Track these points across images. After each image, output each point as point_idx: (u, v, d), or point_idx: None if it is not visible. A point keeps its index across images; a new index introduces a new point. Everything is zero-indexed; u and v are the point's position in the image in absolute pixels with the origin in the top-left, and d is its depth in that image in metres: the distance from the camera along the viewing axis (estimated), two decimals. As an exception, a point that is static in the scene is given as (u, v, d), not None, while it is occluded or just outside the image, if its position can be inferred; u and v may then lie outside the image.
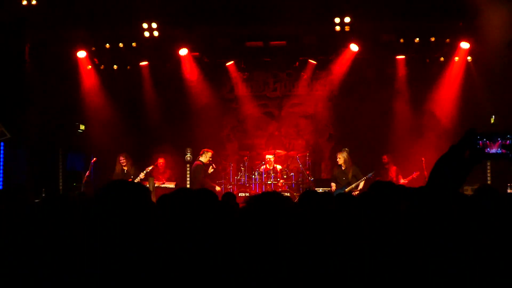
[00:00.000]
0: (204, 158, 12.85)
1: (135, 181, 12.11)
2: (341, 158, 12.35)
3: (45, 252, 2.78)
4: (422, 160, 12.36)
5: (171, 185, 12.81)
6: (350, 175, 12.25)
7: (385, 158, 13.03)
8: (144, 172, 12.46)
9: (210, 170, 12.89)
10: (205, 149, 12.99)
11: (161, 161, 13.26)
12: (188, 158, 13.40)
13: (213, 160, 13.05)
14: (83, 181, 12.80)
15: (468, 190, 11.17)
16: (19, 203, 6.43)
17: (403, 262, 2.50)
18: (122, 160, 12.78)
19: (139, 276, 2.31)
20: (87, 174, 12.76)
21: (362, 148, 13.33)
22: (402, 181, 12.51)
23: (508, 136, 2.19)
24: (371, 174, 12.14)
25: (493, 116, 13.02)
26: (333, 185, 12.29)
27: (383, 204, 3.30)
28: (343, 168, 12.33)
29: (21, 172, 12.15)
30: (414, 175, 12.56)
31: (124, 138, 13.46)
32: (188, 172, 13.50)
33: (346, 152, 12.40)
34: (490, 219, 2.69)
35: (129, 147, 13.16)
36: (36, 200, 6.55)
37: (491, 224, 2.66)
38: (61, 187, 13.18)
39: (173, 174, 13.45)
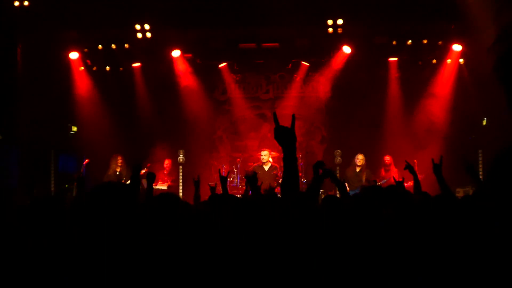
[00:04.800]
0: None
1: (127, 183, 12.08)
2: (361, 160, 12.35)
3: (34, 253, 2.76)
4: (415, 162, 12.34)
5: (164, 186, 12.78)
6: (364, 178, 12.22)
7: (387, 159, 12.77)
8: None
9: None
10: None
11: (167, 162, 13.20)
12: (181, 160, 13.40)
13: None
14: (75, 183, 12.74)
15: (460, 192, 11.21)
16: (9, 205, 6.40)
17: (389, 265, 2.50)
18: (120, 160, 12.72)
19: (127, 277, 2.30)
20: (79, 175, 12.70)
21: (355, 150, 13.33)
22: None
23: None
24: (385, 181, 12.02)
25: (485, 118, 13.07)
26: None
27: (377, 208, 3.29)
28: (357, 170, 12.33)
29: (12, 173, 12.08)
30: (420, 177, 12.18)
31: (116, 139, 13.42)
32: (181, 173, 13.49)
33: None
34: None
35: (121, 148, 13.13)
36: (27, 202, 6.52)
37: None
38: (53, 189, 13.13)
39: (165, 175, 13.40)
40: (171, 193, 3.37)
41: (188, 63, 14.08)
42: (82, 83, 13.88)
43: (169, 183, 12.93)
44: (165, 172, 13.14)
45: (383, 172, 12.82)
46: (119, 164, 12.77)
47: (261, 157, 12.61)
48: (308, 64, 14.28)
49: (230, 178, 13.21)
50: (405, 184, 12.16)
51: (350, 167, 12.62)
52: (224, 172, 6.69)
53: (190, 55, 13.97)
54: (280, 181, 12.67)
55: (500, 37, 1.43)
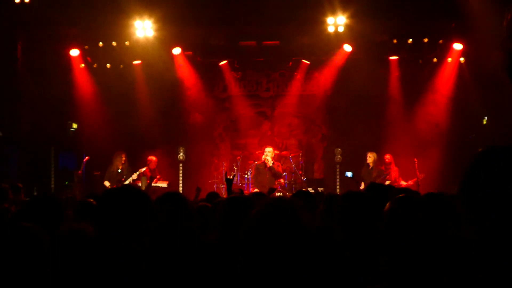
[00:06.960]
0: None
1: (127, 181, 12.05)
2: (370, 157, 12.39)
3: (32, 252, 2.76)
4: (415, 161, 12.33)
5: (164, 184, 12.71)
6: (374, 176, 12.24)
7: (387, 158, 12.65)
8: (137, 173, 12.22)
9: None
10: None
11: (152, 158, 13.08)
12: (181, 157, 13.38)
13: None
14: (75, 180, 12.72)
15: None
16: (12, 201, 6.40)
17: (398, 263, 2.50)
18: (124, 158, 12.55)
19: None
20: (79, 173, 12.68)
21: (355, 148, 13.34)
22: (402, 183, 12.24)
23: None
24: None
25: (485, 117, 13.06)
26: (362, 184, 12.13)
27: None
28: (369, 168, 12.37)
29: (12, 170, 12.09)
30: (420, 176, 12.13)
31: (116, 137, 13.41)
32: (181, 171, 13.46)
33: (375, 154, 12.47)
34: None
35: (122, 146, 13.09)
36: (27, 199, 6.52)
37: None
38: (53, 186, 13.13)
39: (165, 173, 13.32)
40: (175, 192, 3.37)
41: (189, 60, 14.07)
42: (82, 80, 13.86)
43: (156, 180, 12.69)
44: (151, 167, 12.77)
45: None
46: (123, 162, 12.62)
47: (266, 153, 12.45)
48: (308, 62, 14.26)
49: (230, 176, 13.07)
50: (406, 183, 12.25)
51: (364, 166, 12.62)
52: (227, 173, 6.73)
53: (190, 52, 13.96)
54: (281, 181, 12.70)
55: (510, 34, 1.42)
